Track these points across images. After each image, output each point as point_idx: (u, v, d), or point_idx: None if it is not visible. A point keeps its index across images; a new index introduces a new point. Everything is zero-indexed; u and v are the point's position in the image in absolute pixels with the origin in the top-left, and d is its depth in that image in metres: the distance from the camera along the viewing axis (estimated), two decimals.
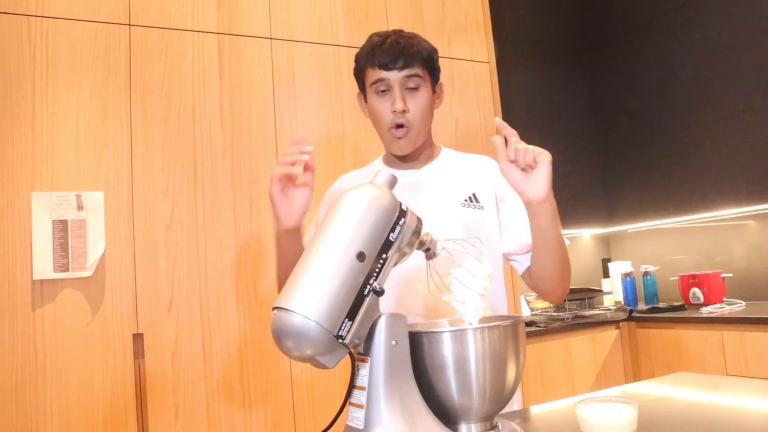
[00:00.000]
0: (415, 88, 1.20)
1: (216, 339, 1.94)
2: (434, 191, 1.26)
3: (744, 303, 2.75)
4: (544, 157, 1.04)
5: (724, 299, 2.81)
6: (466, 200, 1.25)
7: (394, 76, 1.18)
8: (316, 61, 2.24)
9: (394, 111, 1.18)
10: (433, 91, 1.26)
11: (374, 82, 1.20)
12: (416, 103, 1.20)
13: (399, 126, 1.19)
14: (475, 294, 0.95)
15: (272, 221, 1.13)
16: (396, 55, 1.17)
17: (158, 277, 1.89)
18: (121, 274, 1.85)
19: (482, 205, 1.25)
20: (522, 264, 1.25)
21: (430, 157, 1.32)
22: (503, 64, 2.89)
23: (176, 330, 1.89)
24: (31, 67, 1.82)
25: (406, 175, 1.27)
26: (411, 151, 1.24)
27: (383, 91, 1.19)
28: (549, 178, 1.05)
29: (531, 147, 1.04)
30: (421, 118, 1.21)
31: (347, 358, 0.81)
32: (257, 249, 2.04)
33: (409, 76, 1.18)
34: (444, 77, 1.33)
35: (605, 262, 3.53)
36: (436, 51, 1.26)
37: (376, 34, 1.22)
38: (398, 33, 1.21)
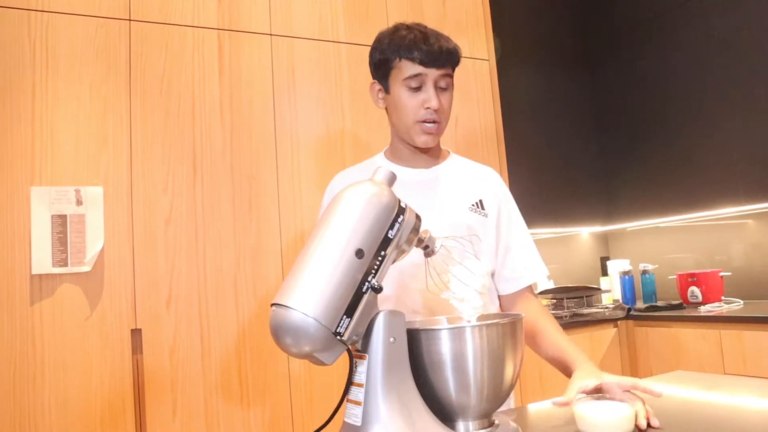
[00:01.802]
0: (446, 88, 1.21)
1: (214, 335, 1.94)
2: (444, 192, 1.27)
3: (742, 302, 2.75)
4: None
5: (723, 298, 2.81)
6: (473, 205, 1.26)
7: (432, 74, 1.18)
8: (316, 58, 2.24)
9: (428, 108, 1.18)
10: None
11: (410, 77, 1.18)
12: (446, 102, 1.21)
13: (431, 121, 1.20)
14: (473, 291, 0.95)
15: None
16: (438, 53, 1.17)
17: (157, 273, 1.89)
18: (119, 269, 1.84)
19: (486, 213, 1.27)
20: (503, 290, 1.30)
21: (438, 158, 1.32)
22: (503, 62, 2.88)
23: (175, 326, 1.89)
24: (31, 61, 1.82)
25: (415, 174, 1.27)
26: (433, 146, 1.26)
27: (416, 88, 1.19)
28: None
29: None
30: (448, 116, 1.24)
31: (345, 354, 0.81)
32: (256, 245, 2.04)
33: (444, 76, 1.19)
34: None
35: (604, 260, 3.53)
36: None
37: (405, 27, 1.21)
38: (432, 30, 1.21)
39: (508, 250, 1.28)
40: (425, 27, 1.22)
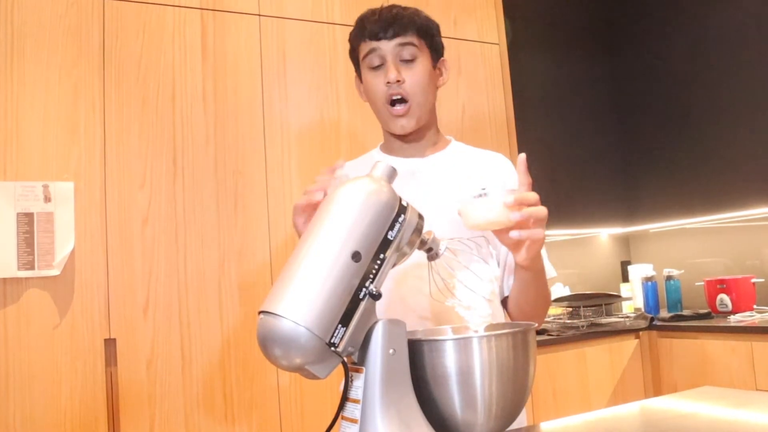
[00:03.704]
0: (411, 60, 1.21)
1: (196, 345, 1.94)
2: (439, 183, 1.26)
3: None
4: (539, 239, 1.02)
5: (755, 307, 2.81)
6: (474, 197, 1.25)
7: (386, 45, 1.20)
8: (309, 41, 2.24)
9: (388, 82, 1.19)
10: (434, 67, 1.26)
11: (366, 55, 1.22)
12: (413, 75, 1.21)
13: (397, 101, 1.21)
14: (481, 299, 0.95)
15: (294, 232, 1.11)
16: (387, 23, 1.19)
17: (133, 277, 1.89)
18: (92, 273, 1.84)
19: None
20: (506, 290, 1.28)
21: (436, 146, 1.32)
22: (515, 46, 2.88)
23: (152, 335, 1.89)
24: None
25: (407, 164, 1.27)
26: (414, 129, 1.24)
27: (377, 66, 1.22)
28: (537, 251, 1.05)
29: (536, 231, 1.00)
30: (422, 91, 1.22)
31: (340, 367, 0.81)
32: (242, 246, 2.04)
33: (402, 45, 1.20)
34: (450, 59, 1.33)
35: (624, 264, 3.53)
36: (435, 24, 1.27)
37: (369, 9, 1.25)
38: (392, 5, 1.24)
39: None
40: (394, 4, 1.24)
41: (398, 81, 1.19)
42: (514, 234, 0.98)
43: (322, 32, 2.26)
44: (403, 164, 1.25)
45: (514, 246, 1.05)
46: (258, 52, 2.16)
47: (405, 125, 1.23)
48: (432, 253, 0.93)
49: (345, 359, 0.81)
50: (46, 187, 1.81)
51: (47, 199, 1.80)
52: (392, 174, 0.91)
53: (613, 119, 3.73)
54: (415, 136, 1.27)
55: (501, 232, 1.04)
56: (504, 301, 1.29)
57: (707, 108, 3.24)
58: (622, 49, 3.71)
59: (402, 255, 0.89)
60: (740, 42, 3.09)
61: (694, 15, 3.31)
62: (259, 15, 2.18)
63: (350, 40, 1.28)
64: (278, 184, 2.12)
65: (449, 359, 0.84)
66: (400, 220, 0.85)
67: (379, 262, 0.82)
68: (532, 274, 1.14)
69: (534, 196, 0.99)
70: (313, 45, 2.24)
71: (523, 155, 1.03)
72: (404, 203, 0.87)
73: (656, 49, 3.51)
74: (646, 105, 3.58)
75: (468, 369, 0.83)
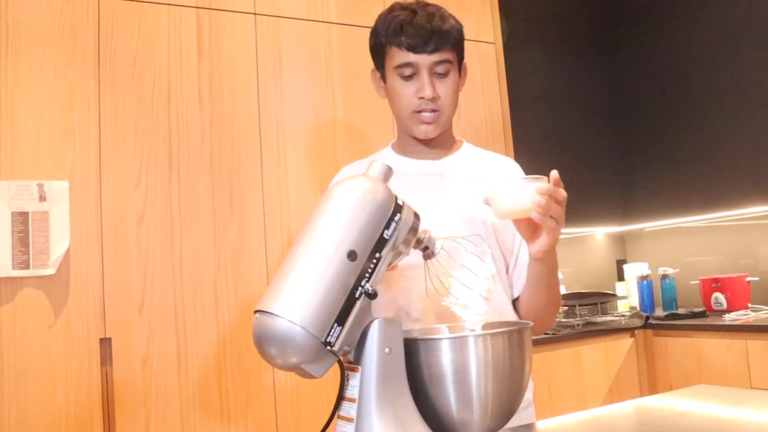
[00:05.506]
0: (444, 74, 1.20)
1: (192, 344, 1.94)
2: (454, 184, 1.27)
3: None
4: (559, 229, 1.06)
5: (749, 305, 2.82)
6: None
7: (423, 60, 1.17)
8: (304, 40, 2.24)
9: (422, 98, 1.18)
10: (459, 73, 1.26)
11: (400, 66, 1.18)
12: (446, 90, 1.20)
13: (429, 111, 1.20)
14: (477, 297, 0.95)
15: None
16: (427, 36, 1.15)
17: (128, 276, 1.89)
18: (87, 272, 1.84)
19: None
20: (516, 290, 1.29)
21: (450, 149, 1.32)
22: (511, 45, 2.89)
23: (148, 334, 1.89)
24: None
25: (421, 165, 1.27)
26: (436, 136, 1.24)
27: (409, 76, 1.19)
28: (553, 242, 1.09)
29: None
30: (452, 103, 1.22)
31: (336, 366, 0.81)
32: (238, 246, 2.04)
33: (439, 62, 1.18)
34: None
35: (620, 263, 3.54)
36: (462, 28, 1.25)
37: (400, 6, 1.21)
38: (425, 7, 1.20)
39: (522, 246, 1.27)
40: (423, 4, 1.21)
41: (433, 98, 1.18)
42: (535, 215, 1.00)
43: (318, 31, 2.26)
44: (417, 166, 1.26)
45: (531, 235, 1.08)
46: (254, 51, 2.15)
47: (429, 132, 1.22)
48: (428, 252, 0.94)
49: (341, 358, 0.81)
50: (41, 186, 1.80)
51: (42, 198, 1.80)
52: (388, 173, 0.91)
53: (609, 118, 3.74)
54: (434, 140, 1.27)
55: (521, 221, 1.07)
56: (514, 303, 1.29)
57: (702, 108, 3.25)
58: (618, 48, 3.71)
59: (398, 254, 0.89)
60: (734, 42, 3.10)
61: (690, 15, 3.31)
62: (255, 14, 2.17)
63: (377, 35, 1.22)
64: (274, 183, 2.12)
65: (445, 358, 0.84)
66: (396, 219, 0.85)
67: (375, 261, 0.82)
68: (545, 269, 1.15)
69: (564, 193, 1.03)
70: (309, 44, 2.24)
71: (555, 172, 1.03)
72: (400, 202, 0.87)
73: (652, 48, 3.52)
74: (642, 104, 3.58)
75: (464, 368, 0.83)
